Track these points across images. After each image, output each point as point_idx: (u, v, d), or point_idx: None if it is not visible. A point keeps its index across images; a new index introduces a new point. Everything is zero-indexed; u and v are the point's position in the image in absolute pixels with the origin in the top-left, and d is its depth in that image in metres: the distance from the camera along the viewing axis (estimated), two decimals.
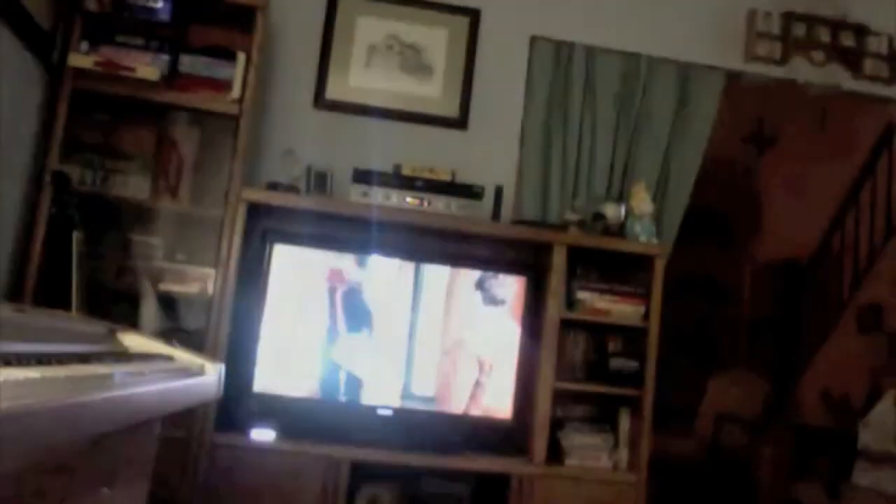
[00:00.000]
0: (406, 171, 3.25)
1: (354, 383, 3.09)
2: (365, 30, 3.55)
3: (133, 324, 2.82)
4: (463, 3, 3.62)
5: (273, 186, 3.14)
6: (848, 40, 3.80)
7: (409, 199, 3.16)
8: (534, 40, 3.64)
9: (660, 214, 3.56)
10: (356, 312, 3.12)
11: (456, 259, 3.21)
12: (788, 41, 3.74)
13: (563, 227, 3.33)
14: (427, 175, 3.24)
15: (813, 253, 6.24)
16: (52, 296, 2.45)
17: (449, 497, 3.18)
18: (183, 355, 1.87)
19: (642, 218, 3.35)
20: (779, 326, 6.61)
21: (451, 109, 3.57)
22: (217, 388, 1.91)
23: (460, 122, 3.57)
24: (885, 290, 5.28)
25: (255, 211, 3.06)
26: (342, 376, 3.09)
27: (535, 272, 3.24)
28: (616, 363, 3.25)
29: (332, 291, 3.10)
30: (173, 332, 2.94)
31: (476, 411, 3.16)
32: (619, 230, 3.34)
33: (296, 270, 3.10)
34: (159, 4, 2.99)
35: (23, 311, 1.54)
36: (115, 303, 2.90)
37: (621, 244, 3.30)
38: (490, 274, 3.21)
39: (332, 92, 3.51)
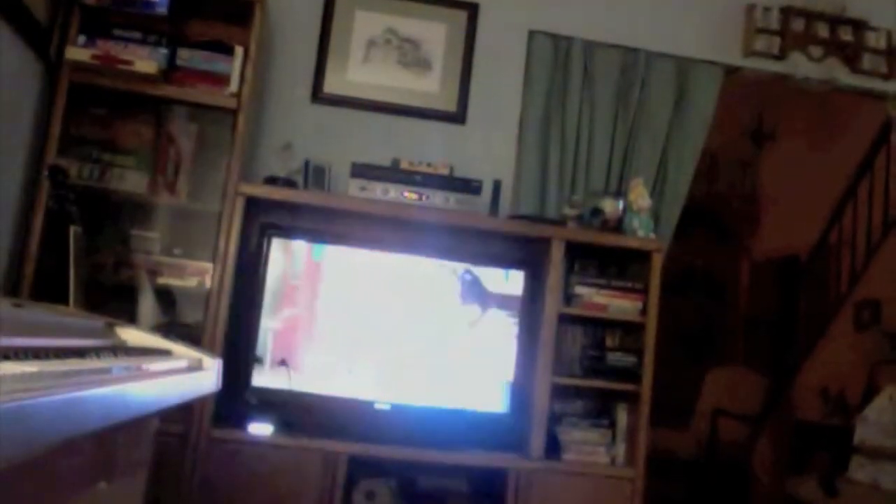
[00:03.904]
0: (404, 166, 3.25)
1: (352, 378, 3.09)
2: (363, 24, 3.55)
3: (131, 318, 2.82)
4: None
5: (271, 181, 3.14)
6: (846, 35, 3.80)
7: (407, 194, 3.16)
8: (532, 35, 3.63)
9: (658, 209, 3.56)
10: (354, 307, 3.12)
11: (454, 253, 3.21)
12: (787, 36, 3.74)
13: (561, 221, 3.34)
14: (425, 169, 3.24)
15: (811, 248, 6.25)
16: (49, 290, 2.45)
17: (446, 492, 3.18)
18: (181, 349, 1.87)
19: (640, 213, 3.35)
20: (776, 322, 6.61)
21: (450, 104, 3.56)
22: (215, 382, 1.91)
23: (458, 117, 3.56)
24: (882, 286, 5.28)
25: (253, 205, 3.06)
26: (340, 371, 3.09)
27: (532, 267, 3.24)
28: (614, 358, 3.25)
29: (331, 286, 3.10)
30: (171, 326, 2.94)
31: (474, 406, 3.16)
32: (617, 225, 3.34)
33: (294, 265, 3.09)
34: None
35: (20, 305, 1.53)
36: (112, 297, 2.90)
37: (619, 239, 3.30)
38: (488, 268, 3.21)
39: (330, 86, 3.50)
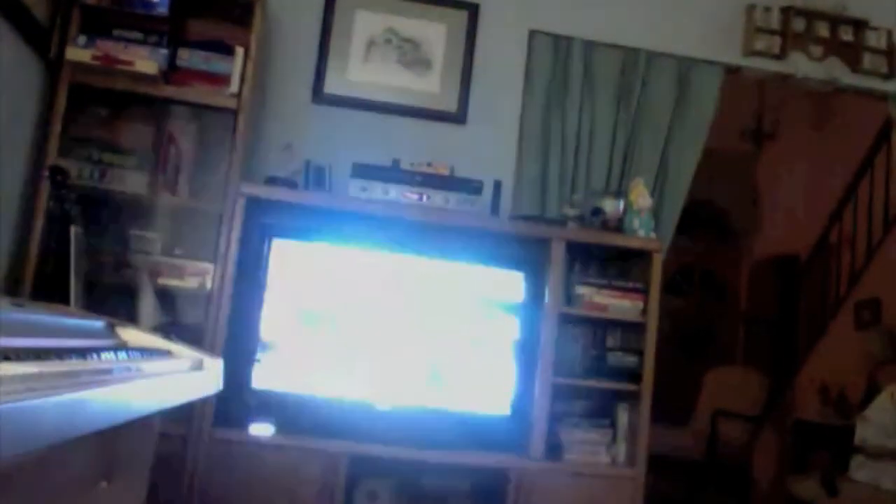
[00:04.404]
0: (405, 166, 3.25)
1: (353, 378, 3.08)
2: (363, 24, 3.54)
3: (131, 318, 2.81)
4: None
5: (272, 181, 3.14)
6: (847, 35, 3.79)
7: (407, 194, 3.16)
8: (532, 34, 3.63)
9: (658, 209, 3.56)
10: (354, 308, 3.12)
11: (454, 254, 3.21)
12: (787, 36, 3.74)
13: (561, 221, 3.33)
14: (426, 170, 3.23)
15: (811, 248, 6.24)
16: (50, 290, 2.45)
17: (448, 493, 3.18)
18: (181, 350, 1.87)
19: (641, 213, 3.35)
20: (777, 321, 6.61)
21: (450, 104, 3.56)
22: (216, 382, 1.91)
23: (459, 117, 3.56)
24: (883, 285, 5.28)
25: (254, 205, 3.05)
26: (341, 371, 3.08)
27: (533, 267, 3.23)
28: (614, 358, 3.25)
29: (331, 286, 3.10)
30: (172, 326, 2.94)
31: (475, 407, 3.16)
32: (618, 225, 3.34)
33: (294, 265, 3.09)
34: None
35: (21, 305, 1.54)
36: (113, 297, 2.89)
37: (620, 239, 3.30)
38: (489, 269, 3.21)
39: (331, 86, 3.50)
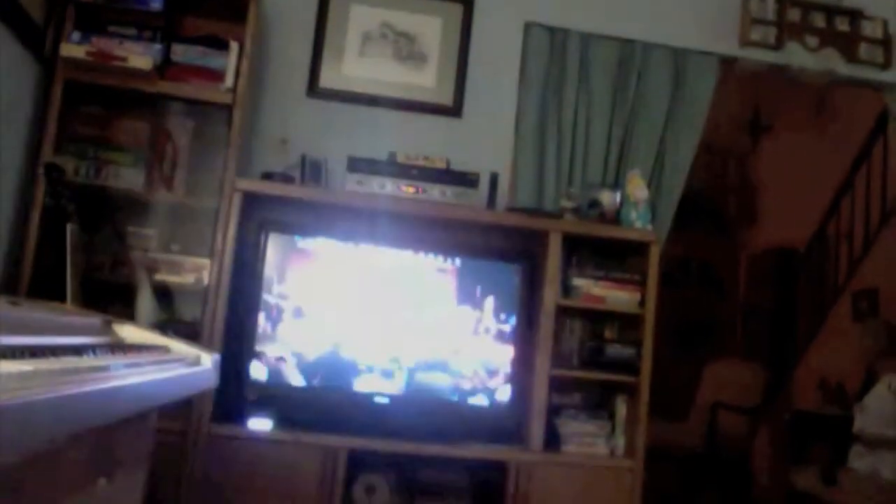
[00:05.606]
0: (401, 160, 3.24)
1: (351, 372, 3.09)
2: (358, 18, 3.54)
3: (129, 315, 2.81)
4: None
5: (268, 176, 3.13)
6: (843, 25, 3.79)
7: (403, 188, 3.15)
8: (528, 27, 3.62)
9: (655, 201, 3.55)
10: (353, 303, 3.12)
11: (451, 247, 3.21)
12: (783, 26, 3.73)
13: (558, 214, 3.33)
14: (422, 163, 3.23)
15: (808, 239, 6.25)
16: (47, 288, 2.45)
17: (446, 485, 3.18)
18: (179, 346, 1.87)
19: (638, 205, 3.35)
20: (775, 313, 6.62)
21: (446, 97, 3.56)
22: (213, 378, 1.91)
23: (455, 110, 3.56)
24: (880, 276, 5.29)
25: (250, 201, 3.05)
26: (339, 365, 3.08)
27: (530, 260, 3.24)
28: (612, 350, 3.25)
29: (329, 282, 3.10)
30: (169, 323, 2.94)
31: (473, 399, 3.16)
32: (615, 217, 3.34)
33: (291, 260, 3.09)
34: None
35: (17, 303, 1.53)
36: (110, 294, 2.89)
37: (617, 231, 3.30)
38: (486, 262, 3.21)
39: (326, 80, 3.49)
